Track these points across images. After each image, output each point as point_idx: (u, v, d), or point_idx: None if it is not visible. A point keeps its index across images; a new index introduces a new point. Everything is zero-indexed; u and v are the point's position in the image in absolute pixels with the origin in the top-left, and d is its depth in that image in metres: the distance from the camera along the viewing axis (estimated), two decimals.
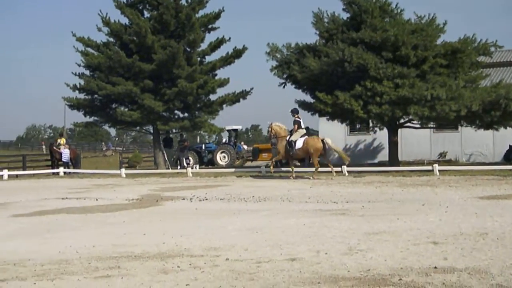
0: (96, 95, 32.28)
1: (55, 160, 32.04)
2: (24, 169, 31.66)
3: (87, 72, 32.76)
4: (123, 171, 28.67)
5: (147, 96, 30.39)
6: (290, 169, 24.29)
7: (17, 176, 29.08)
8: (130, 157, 41.92)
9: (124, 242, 9.30)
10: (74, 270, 7.38)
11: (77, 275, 7.08)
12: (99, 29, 32.18)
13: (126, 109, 31.99)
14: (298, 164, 28.80)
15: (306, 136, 23.50)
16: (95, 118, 33.60)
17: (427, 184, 18.89)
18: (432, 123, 27.53)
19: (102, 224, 11.65)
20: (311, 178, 22.70)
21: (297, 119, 23.62)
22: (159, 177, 26.07)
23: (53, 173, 30.45)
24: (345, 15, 28.20)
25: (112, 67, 30.91)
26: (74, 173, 30.30)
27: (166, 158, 32.70)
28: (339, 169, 24.22)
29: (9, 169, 29.76)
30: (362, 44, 25.62)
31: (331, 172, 23.07)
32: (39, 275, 7.14)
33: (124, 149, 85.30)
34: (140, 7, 32.57)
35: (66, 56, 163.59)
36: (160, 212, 13.56)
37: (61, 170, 30.21)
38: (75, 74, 32.60)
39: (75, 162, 33.02)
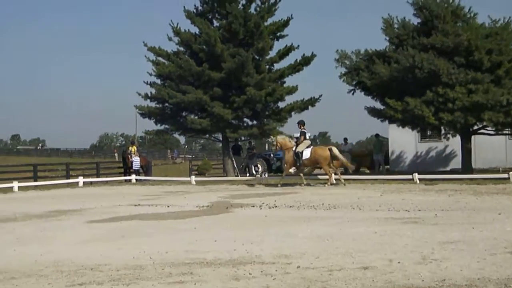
0: (166, 104, 32.84)
1: (127, 168, 32.73)
2: (97, 176, 32.46)
3: (158, 81, 33.39)
4: (193, 178, 29.02)
5: (217, 104, 30.71)
6: (326, 176, 24.23)
7: (91, 183, 29.85)
8: (199, 164, 42.33)
9: (196, 249, 9.40)
10: (148, 275, 7.51)
11: (151, 281, 7.20)
12: (170, 39, 32.82)
13: (196, 117, 32.39)
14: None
15: (312, 146, 24.32)
16: (166, 126, 34.17)
17: (503, 192, 18.32)
18: (507, 129, 26.71)
19: (174, 231, 11.81)
20: (326, 185, 23.41)
21: (303, 130, 24.43)
22: (228, 184, 26.26)
23: (126, 180, 31.11)
24: (415, 20, 27.77)
25: (182, 75, 31.40)
26: (145, 180, 30.87)
27: (235, 166, 32.91)
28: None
29: (84, 176, 30.58)
30: (433, 50, 25.15)
31: (329, 178, 23.80)
32: (115, 279, 7.30)
33: (193, 156, 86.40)
34: (210, 17, 32.99)
35: (138, 65, 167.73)
36: (230, 219, 13.65)
37: (133, 177, 30.84)
38: (147, 83, 33.29)
39: (146, 169, 33.65)
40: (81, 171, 33.92)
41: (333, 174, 23.73)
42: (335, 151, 24.04)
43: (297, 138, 25.01)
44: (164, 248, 9.46)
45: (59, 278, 7.48)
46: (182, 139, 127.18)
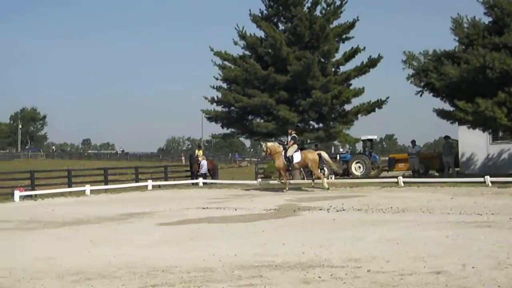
0: (233, 107, 33.10)
1: (194, 171, 33.13)
2: (165, 180, 32.97)
3: (225, 85, 33.70)
4: (260, 181, 29.11)
5: (282, 107, 30.74)
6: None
7: (159, 186, 30.34)
8: (265, 167, 42.41)
9: (265, 252, 9.43)
10: (218, 278, 7.58)
11: (222, 283, 7.26)
12: (236, 43, 33.09)
13: (262, 121, 32.52)
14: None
15: (299, 150, 24.88)
16: (232, 129, 34.44)
17: None
18: None
19: (242, 234, 11.88)
20: (326, 187, 23.93)
21: (294, 135, 24.99)
22: (295, 187, 26.20)
23: (193, 184, 31.49)
24: (486, 19, 27.05)
25: (248, 79, 31.59)
26: (212, 183, 31.17)
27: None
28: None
29: (153, 179, 31.11)
30: (505, 49, 24.42)
31: (313, 181, 25.47)
32: (186, 281, 7.40)
33: (259, 160, 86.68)
34: (275, 20, 33.09)
35: (204, 70, 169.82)
36: (298, 222, 13.62)
37: (200, 180, 31.19)
38: (213, 87, 33.66)
39: (213, 173, 33.97)
40: (149, 174, 34.49)
41: (324, 177, 24.88)
42: (324, 155, 25.36)
43: (281, 142, 25.83)
44: (233, 251, 9.52)
45: (132, 280, 7.64)
46: (247, 143, 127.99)
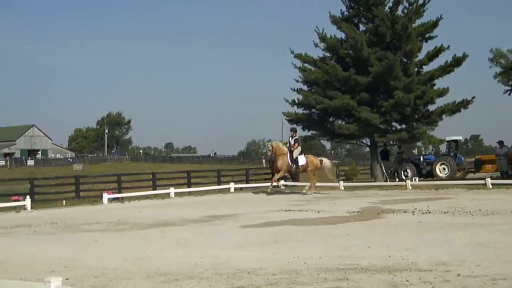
0: (313, 109, 32.96)
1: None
2: (247, 182, 33.20)
3: (305, 87, 33.62)
4: (342, 183, 28.90)
5: (364, 109, 30.39)
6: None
7: (241, 189, 30.60)
8: (346, 169, 42.03)
9: (350, 254, 9.36)
10: (304, 280, 7.58)
11: (307, 286, 7.26)
12: (316, 45, 32.94)
13: (343, 122, 32.24)
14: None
15: (303, 154, 25.57)
16: (313, 132, 34.31)
17: None
18: None
19: (326, 236, 11.83)
20: (307, 193, 24.84)
21: (297, 137, 25.61)
22: (377, 190, 25.89)
23: (274, 186, 31.54)
24: None
25: (328, 81, 31.41)
26: (293, 186, 31.14)
27: (384, 171, 32.36)
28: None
29: (235, 182, 31.38)
30: None
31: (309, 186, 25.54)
32: (272, 284, 7.43)
33: (339, 162, 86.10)
34: (356, 21, 32.76)
35: (285, 72, 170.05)
36: (383, 225, 13.45)
37: (281, 183, 31.24)
38: (294, 90, 33.61)
39: (294, 175, 33.91)
40: (231, 177, 34.81)
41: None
42: (326, 162, 26.56)
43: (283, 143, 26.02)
44: (318, 253, 9.50)
45: (218, 281, 7.74)
46: (327, 145, 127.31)
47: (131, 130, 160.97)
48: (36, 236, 13.56)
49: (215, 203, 22.38)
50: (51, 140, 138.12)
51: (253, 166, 74.40)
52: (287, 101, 33.49)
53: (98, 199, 24.12)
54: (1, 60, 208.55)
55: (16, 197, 22.38)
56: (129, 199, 24.32)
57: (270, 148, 25.18)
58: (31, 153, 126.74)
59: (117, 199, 24.31)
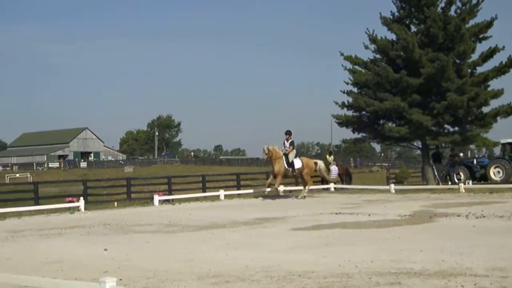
0: (363, 112, 32.72)
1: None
2: (296, 185, 33.08)
3: (355, 89, 33.39)
4: (392, 186, 28.55)
5: (415, 111, 29.98)
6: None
7: (290, 191, 30.51)
8: (396, 172, 41.53)
9: (402, 258, 9.21)
10: (356, 284, 7.49)
11: None
12: (366, 47, 32.68)
13: (394, 125, 31.89)
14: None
15: (298, 157, 25.18)
16: (363, 134, 34.06)
17: None
18: None
19: (377, 240, 11.68)
20: (301, 196, 24.77)
21: (292, 140, 24.86)
22: (429, 193, 25.44)
23: (324, 189, 31.39)
24: None
25: (379, 83, 31.12)
26: (344, 188, 30.93)
27: (436, 174, 31.84)
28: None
29: (284, 184, 31.30)
30: None
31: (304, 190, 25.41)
32: (323, 287, 7.37)
33: (389, 164, 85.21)
34: (407, 22, 32.35)
35: (334, 74, 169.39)
36: (435, 229, 13.21)
37: (331, 185, 31.06)
38: (343, 92, 33.43)
39: (345, 177, 33.70)
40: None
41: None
42: (321, 164, 26.23)
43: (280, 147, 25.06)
44: (369, 257, 9.38)
45: (269, 284, 7.72)
46: (377, 147, 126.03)
47: (181, 132, 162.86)
48: (89, 237, 13.80)
49: (264, 205, 22.39)
50: (103, 142, 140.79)
51: None
52: (336, 103, 33.34)
53: (148, 200, 24.41)
54: (54, 65, 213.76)
55: (70, 198, 22.85)
56: (179, 201, 24.52)
57: (266, 151, 24.35)
58: (84, 155, 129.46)
59: (167, 201, 24.56)
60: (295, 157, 24.67)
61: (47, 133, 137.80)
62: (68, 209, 21.66)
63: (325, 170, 26.73)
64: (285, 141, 24.84)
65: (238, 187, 29.71)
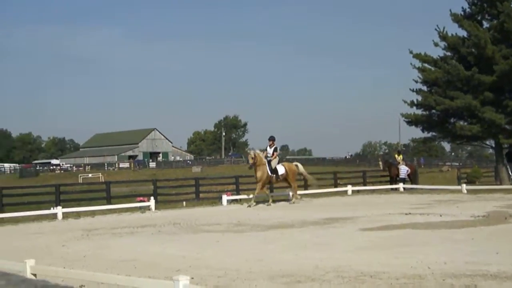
0: (433, 110, 32.09)
1: (393, 176, 32.56)
2: (364, 185, 32.79)
3: (424, 88, 32.78)
4: (464, 186, 27.87)
5: (488, 109, 29.16)
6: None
7: (358, 191, 30.26)
8: (468, 172, 40.50)
9: (476, 260, 8.98)
10: (429, 285, 7.37)
11: None
12: (436, 44, 32.04)
13: (465, 123, 31.13)
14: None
15: (280, 163, 24.25)
16: (433, 133, 33.41)
17: None
18: None
19: (450, 241, 11.44)
20: (293, 200, 23.87)
21: (276, 146, 24.07)
22: (503, 193, 24.71)
23: (392, 189, 30.97)
24: None
25: (450, 81, 30.44)
26: (413, 188, 30.42)
27: (510, 173, 30.90)
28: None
29: (352, 184, 31.08)
30: None
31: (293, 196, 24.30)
32: None
33: (460, 164, 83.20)
34: (479, 18, 31.52)
35: (403, 73, 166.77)
36: (511, 230, 12.83)
37: (400, 185, 30.61)
38: (413, 90, 32.87)
39: (413, 177, 33.14)
40: (347, 179, 34.51)
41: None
42: (300, 167, 25.21)
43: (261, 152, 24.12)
44: (442, 258, 9.19)
45: (341, 284, 7.67)
46: (447, 147, 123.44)
47: (247, 132, 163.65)
48: (160, 236, 14.04)
49: (332, 205, 22.25)
50: (171, 143, 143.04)
51: (369, 168, 73.37)
52: (405, 102, 32.85)
53: (217, 200, 24.66)
54: (124, 68, 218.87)
55: (140, 198, 23.33)
56: (247, 200, 24.64)
57: (253, 156, 23.23)
58: (153, 155, 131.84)
59: (235, 200, 24.75)
60: (278, 163, 23.93)
61: (117, 134, 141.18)
62: (139, 208, 22.13)
63: (305, 172, 25.92)
64: (268, 147, 23.96)
65: (305, 187, 29.60)
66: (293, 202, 23.66)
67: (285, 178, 24.19)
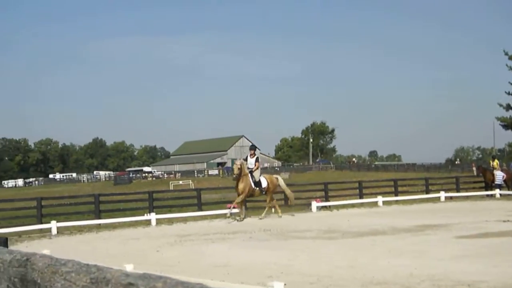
0: None
1: (488, 182, 31.48)
2: (457, 191, 31.86)
3: None
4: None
5: None
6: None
7: (451, 198, 29.43)
8: None
9: None
10: None
11: None
12: None
13: None
14: None
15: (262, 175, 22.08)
16: None
17: None
18: None
19: None
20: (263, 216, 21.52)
21: (257, 156, 22.13)
22: None
23: (488, 195, 29.95)
24: None
25: None
26: (510, 195, 29.28)
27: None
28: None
29: (444, 190, 30.27)
30: None
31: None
32: None
33: None
34: None
35: (497, 75, 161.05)
36: None
37: (496, 192, 29.55)
38: (508, 93, 31.76)
39: (510, 183, 31.92)
40: (440, 185, 33.64)
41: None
42: (281, 180, 22.74)
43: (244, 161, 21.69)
44: None
45: None
46: None
47: (335, 139, 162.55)
48: (251, 242, 14.16)
49: (424, 212, 21.73)
50: (259, 149, 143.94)
51: (462, 174, 71.24)
52: (501, 105, 31.77)
53: (305, 207, 24.59)
54: (211, 76, 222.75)
55: (230, 205, 23.56)
56: (337, 207, 24.48)
57: (239, 166, 21.05)
58: None
59: (325, 207, 24.62)
60: (260, 175, 21.86)
61: (206, 142, 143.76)
62: (230, 215, 22.34)
63: (285, 186, 23.29)
64: (249, 157, 21.93)
65: (396, 193, 29.10)
66: (262, 218, 21.24)
67: (267, 190, 21.89)
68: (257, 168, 21.73)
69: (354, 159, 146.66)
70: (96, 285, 1.15)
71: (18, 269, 1.50)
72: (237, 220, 20.67)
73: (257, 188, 21.33)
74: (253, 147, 23.20)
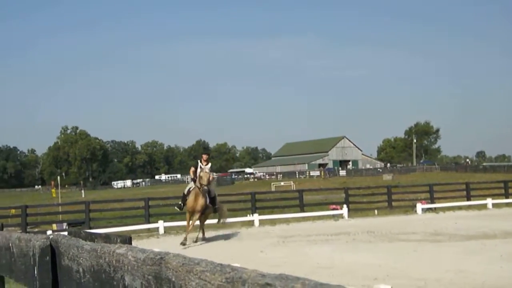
0: None
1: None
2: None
3: None
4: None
5: None
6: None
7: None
8: None
9: None
10: None
11: None
12: None
13: None
14: None
15: None
16: None
17: None
18: None
19: None
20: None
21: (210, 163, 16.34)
22: None
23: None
24: None
25: None
26: None
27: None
28: None
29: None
30: None
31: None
32: None
33: None
34: None
35: None
36: None
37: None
38: None
39: None
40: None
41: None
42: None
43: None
44: None
45: None
46: None
47: (440, 139, 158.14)
48: (355, 244, 14.03)
49: None
50: (361, 150, 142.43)
51: None
52: None
53: (410, 209, 24.08)
54: (312, 75, 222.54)
55: (334, 206, 23.48)
56: (443, 209, 23.80)
57: (209, 178, 15.92)
58: (342, 163, 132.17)
59: (430, 209, 24.02)
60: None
61: (307, 143, 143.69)
62: (332, 216, 22.29)
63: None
64: (201, 164, 16.27)
65: (507, 195, 27.92)
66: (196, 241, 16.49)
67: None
68: (213, 179, 17.24)
69: (467, 160, 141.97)
70: (232, 284, 1.17)
71: (152, 267, 1.56)
72: (183, 244, 15.39)
73: (211, 206, 16.25)
74: (207, 151, 19.01)
